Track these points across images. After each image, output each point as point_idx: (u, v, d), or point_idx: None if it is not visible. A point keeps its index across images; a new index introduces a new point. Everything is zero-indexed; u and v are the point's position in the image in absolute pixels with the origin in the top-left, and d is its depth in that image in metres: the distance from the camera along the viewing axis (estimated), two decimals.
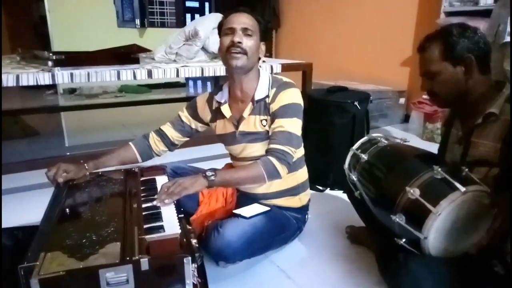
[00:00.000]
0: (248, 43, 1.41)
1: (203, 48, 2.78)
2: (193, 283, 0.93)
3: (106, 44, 2.61)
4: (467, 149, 1.26)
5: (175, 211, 1.16)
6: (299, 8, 5.28)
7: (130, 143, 1.59)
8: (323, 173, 2.26)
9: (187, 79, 6.39)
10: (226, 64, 1.47)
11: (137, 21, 5.77)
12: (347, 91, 2.45)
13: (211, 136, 1.70)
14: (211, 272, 1.41)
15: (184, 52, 2.75)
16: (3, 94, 2.11)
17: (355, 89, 2.67)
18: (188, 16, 6.42)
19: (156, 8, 5.91)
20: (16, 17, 6.47)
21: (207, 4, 6.69)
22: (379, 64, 4.25)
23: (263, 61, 2.69)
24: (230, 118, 1.55)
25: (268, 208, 1.53)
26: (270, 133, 1.47)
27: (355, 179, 1.46)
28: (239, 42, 1.39)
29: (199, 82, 6.84)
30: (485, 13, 2.73)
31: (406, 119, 3.89)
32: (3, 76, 1.83)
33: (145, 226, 1.04)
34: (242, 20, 1.42)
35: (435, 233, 1.11)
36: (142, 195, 1.26)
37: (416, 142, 3.19)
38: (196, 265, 0.94)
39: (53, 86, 5.35)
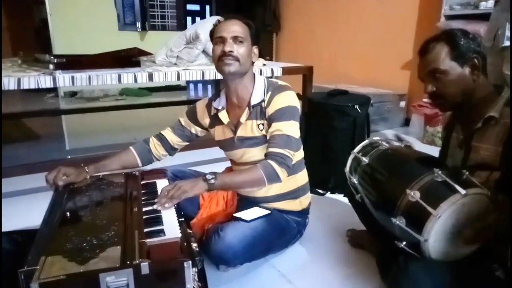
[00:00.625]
0: (239, 50, 1.42)
1: (204, 51, 2.79)
2: (194, 287, 0.92)
3: (107, 47, 2.62)
4: (468, 153, 1.26)
5: (176, 215, 1.16)
6: (299, 11, 5.30)
7: (131, 147, 1.59)
8: (324, 176, 2.26)
9: (188, 82, 6.40)
10: (219, 71, 1.48)
11: (138, 24, 5.78)
12: (347, 94, 2.46)
13: (211, 140, 1.70)
14: (211, 276, 1.41)
15: (185, 55, 2.76)
16: (4, 97, 2.11)
17: (356, 93, 2.67)
18: (189, 19, 6.44)
19: (157, 11, 5.93)
20: (18, 21, 6.51)
21: (208, 7, 6.71)
22: (379, 67, 4.25)
23: (264, 65, 2.70)
24: (228, 124, 1.56)
25: (268, 212, 1.53)
26: (268, 137, 1.47)
27: (356, 182, 1.46)
28: (230, 51, 1.40)
29: (199, 85, 6.84)
30: (485, 17, 2.73)
31: (406, 122, 3.89)
32: (5, 79, 1.84)
33: (145, 230, 1.04)
34: (232, 28, 1.42)
35: (435, 236, 1.11)
36: (142, 198, 1.26)
37: (417, 145, 3.17)
38: (196, 269, 0.94)
39: (54, 89, 5.36)
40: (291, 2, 5.45)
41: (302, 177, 1.63)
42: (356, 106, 2.22)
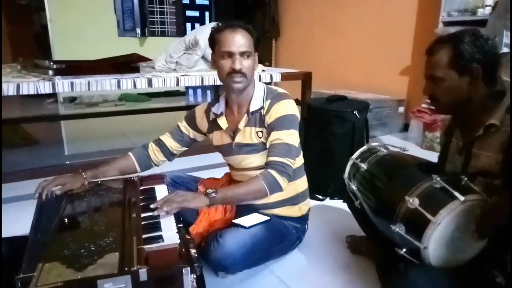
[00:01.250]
0: (246, 64, 1.41)
1: (203, 57, 2.79)
2: None
3: (107, 53, 2.63)
4: (468, 160, 1.25)
5: (174, 221, 1.16)
6: (298, 17, 5.33)
7: (129, 153, 1.59)
8: (323, 182, 2.26)
9: (187, 88, 6.41)
10: (226, 86, 1.48)
11: (138, 30, 5.80)
12: (346, 100, 2.46)
13: (210, 146, 1.70)
14: (210, 283, 1.41)
15: (184, 61, 2.77)
16: (4, 102, 2.11)
17: (355, 98, 2.68)
18: (188, 25, 6.45)
19: (157, 18, 5.95)
20: (18, 27, 6.52)
21: (207, 14, 6.73)
22: (378, 73, 4.27)
23: (263, 70, 2.71)
24: (226, 130, 1.56)
25: (267, 218, 1.52)
26: (268, 146, 1.47)
27: (355, 188, 1.46)
28: (240, 69, 1.40)
29: (199, 91, 6.85)
30: (483, 23, 2.75)
31: (405, 128, 3.89)
32: (4, 85, 1.84)
33: (144, 236, 1.04)
34: (240, 42, 1.40)
35: (435, 243, 1.10)
36: (141, 204, 1.25)
37: (416, 151, 3.19)
38: (195, 276, 0.93)
39: (53, 95, 5.35)
40: (290, 8, 5.48)
41: (301, 184, 1.63)
42: (355, 112, 2.23)
